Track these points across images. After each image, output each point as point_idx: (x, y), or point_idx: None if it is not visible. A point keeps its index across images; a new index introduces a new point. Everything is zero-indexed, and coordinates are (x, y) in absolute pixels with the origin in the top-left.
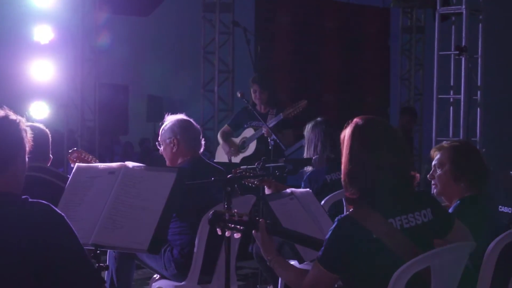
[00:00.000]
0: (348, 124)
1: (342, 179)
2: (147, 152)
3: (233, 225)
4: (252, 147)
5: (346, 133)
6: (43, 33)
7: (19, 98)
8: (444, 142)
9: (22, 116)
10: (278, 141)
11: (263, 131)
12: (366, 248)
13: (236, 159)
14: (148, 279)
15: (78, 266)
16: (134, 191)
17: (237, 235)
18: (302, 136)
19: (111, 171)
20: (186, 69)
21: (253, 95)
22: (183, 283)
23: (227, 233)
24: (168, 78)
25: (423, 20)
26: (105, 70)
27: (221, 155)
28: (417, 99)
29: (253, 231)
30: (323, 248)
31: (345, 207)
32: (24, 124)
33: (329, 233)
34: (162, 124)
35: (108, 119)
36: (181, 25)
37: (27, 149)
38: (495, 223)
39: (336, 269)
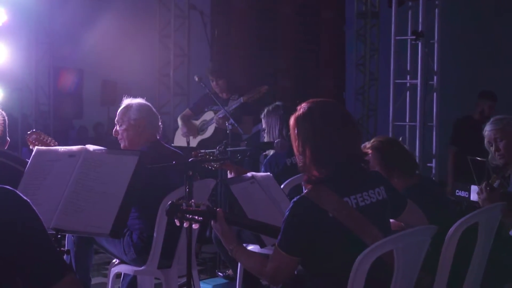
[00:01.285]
0: (299, 107)
1: (298, 161)
2: (101, 137)
3: (190, 216)
4: (210, 130)
5: (298, 116)
6: None
7: None
8: (365, 143)
9: None
10: (235, 125)
11: (220, 116)
12: (323, 228)
13: (194, 143)
14: (107, 264)
15: (44, 252)
16: (95, 175)
17: (195, 226)
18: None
19: (71, 154)
20: (141, 53)
21: (212, 84)
22: (142, 267)
23: (185, 224)
24: (123, 62)
25: (377, 6)
26: (60, 54)
27: (179, 139)
28: (372, 84)
29: (212, 222)
30: (281, 231)
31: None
32: None
33: (286, 215)
34: (119, 107)
35: (63, 103)
36: (137, 8)
37: None
38: (443, 205)
39: (296, 251)
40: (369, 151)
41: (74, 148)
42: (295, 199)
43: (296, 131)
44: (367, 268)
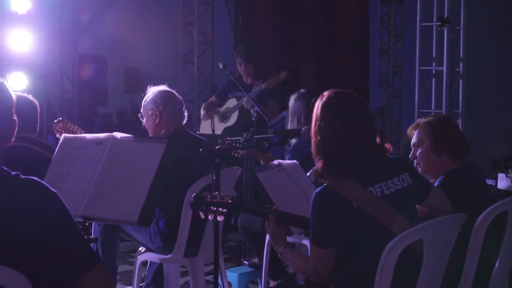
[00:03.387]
0: (320, 97)
1: (314, 151)
2: (125, 124)
3: (215, 208)
4: (234, 118)
5: (319, 105)
6: (20, 3)
7: None
8: (419, 119)
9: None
10: (261, 112)
11: (243, 103)
12: (348, 218)
13: (218, 130)
14: (133, 252)
15: (73, 244)
16: (122, 162)
17: (220, 218)
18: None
19: (99, 142)
20: (165, 41)
21: (238, 67)
22: (169, 255)
23: (210, 217)
24: (146, 49)
25: None
26: (84, 41)
27: (204, 127)
28: (396, 71)
29: (265, 224)
30: (311, 228)
31: None
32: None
33: (310, 209)
34: (144, 95)
35: (87, 91)
36: None
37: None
38: (483, 194)
39: (327, 244)
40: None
41: (102, 135)
42: (317, 190)
43: (315, 119)
44: (396, 257)
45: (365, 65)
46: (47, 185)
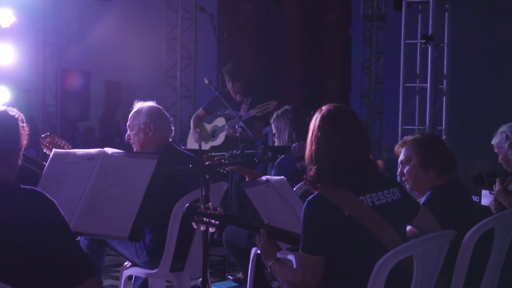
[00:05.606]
0: (318, 110)
1: (308, 160)
2: (107, 138)
3: (207, 219)
4: (221, 137)
5: (317, 118)
6: (4, 17)
7: None
8: (406, 137)
9: None
10: (246, 128)
11: (231, 125)
12: (339, 226)
13: (206, 146)
14: (116, 266)
15: (70, 253)
16: (113, 178)
17: (212, 229)
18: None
19: (89, 157)
20: (147, 55)
21: (227, 84)
22: (155, 270)
23: (202, 227)
24: (128, 63)
25: (384, 9)
26: (67, 55)
27: (191, 142)
28: (378, 88)
29: (256, 238)
30: (301, 235)
31: None
32: (21, 119)
33: (302, 217)
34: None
35: (70, 105)
36: (143, 10)
37: (24, 142)
38: (468, 210)
39: (317, 251)
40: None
41: (92, 151)
42: (309, 197)
43: (312, 129)
44: (387, 272)
45: (347, 80)
46: (46, 194)
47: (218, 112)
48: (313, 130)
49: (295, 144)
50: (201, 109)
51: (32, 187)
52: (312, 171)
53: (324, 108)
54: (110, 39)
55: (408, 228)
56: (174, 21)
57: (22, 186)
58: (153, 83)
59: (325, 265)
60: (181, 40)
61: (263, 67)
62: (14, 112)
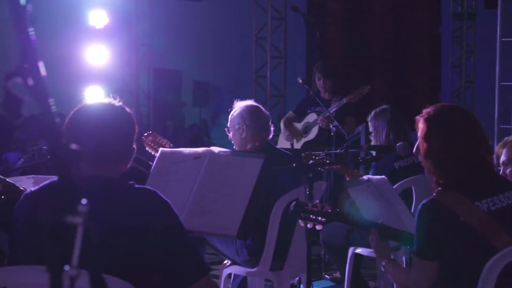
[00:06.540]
0: (426, 113)
1: (430, 167)
2: (196, 138)
3: (314, 217)
4: (314, 132)
5: (429, 118)
6: (98, 18)
7: (75, 81)
8: (506, 137)
9: (80, 99)
10: (340, 127)
11: (318, 122)
12: (453, 231)
13: (298, 145)
14: (216, 264)
15: (184, 252)
16: (220, 177)
17: (319, 227)
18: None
19: (196, 156)
20: (237, 55)
21: (317, 82)
22: (255, 269)
23: (309, 225)
24: (216, 63)
25: (474, 7)
26: (158, 55)
27: (282, 142)
28: (468, 87)
29: (369, 237)
30: (415, 240)
31: (414, 195)
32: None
33: (416, 221)
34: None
35: (162, 105)
36: (234, 11)
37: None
38: None
39: (432, 255)
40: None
41: (199, 150)
42: (424, 201)
43: (424, 134)
44: (496, 274)
45: (436, 80)
46: (160, 194)
47: (308, 111)
48: (426, 135)
49: (399, 143)
50: (291, 112)
51: (145, 186)
52: (430, 172)
53: (432, 110)
54: (200, 39)
55: None
56: (264, 20)
57: (136, 186)
58: (242, 83)
59: (438, 270)
60: (270, 40)
61: (352, 66)
62: (128, 108)
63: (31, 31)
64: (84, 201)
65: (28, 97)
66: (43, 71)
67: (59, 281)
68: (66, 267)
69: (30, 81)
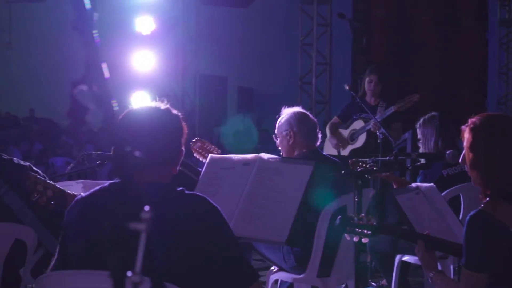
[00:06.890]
0: (472, 123)
1: (477, 178)
2: (239, 145)
3: (360, 230)
4: (361, 139)
5: (476, 128)
6: (145, 24)
7: (121, 87)
8: None
9: (126, 105)
10: (387, 134)
11: (370, 126)
12: (503, 243)
13: (345, 152)
14: (262, 269)
15: (234, 259)
16: (270, 183)
17: (365, 240)
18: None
19: (245, 163)
20: (281, 61)
21: (367, 85)
22: (302, 275)
23: (355, 238)
24: (262, 69)
25: None
26: (203, 61)
27: (329, 148)
28: None
29: (415, 249)
30: (464, 252)
31: (462, 203)
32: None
33: (464, 232)
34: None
35: (207, 111)
36: (280, 18)
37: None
38: None
39: (482, 267)
40: None
41: (249, 156)
42: (472, 213)
43: (470, 145)
44: None
45: (483, 87)
46: (210, 200)
47: (354, 117)
48: (475, 145)
49: (449, 151)
50: (335, 117)
51: (196, 193)
52: (477, 183)
53: (479, 120)
54: (246, 45)
55: None
56: (310, 27)
57: (186, 192)
58: (286, 89)
59: (488, 282)
60: (316, 46)
61: (398, 73)
62: (175, 110)
63: (95, 33)
64: (147, 207)
65: (93, 105)
66: (106, 72)
67: (121, 286)
68: (129, 273)
69: (95, 88)
